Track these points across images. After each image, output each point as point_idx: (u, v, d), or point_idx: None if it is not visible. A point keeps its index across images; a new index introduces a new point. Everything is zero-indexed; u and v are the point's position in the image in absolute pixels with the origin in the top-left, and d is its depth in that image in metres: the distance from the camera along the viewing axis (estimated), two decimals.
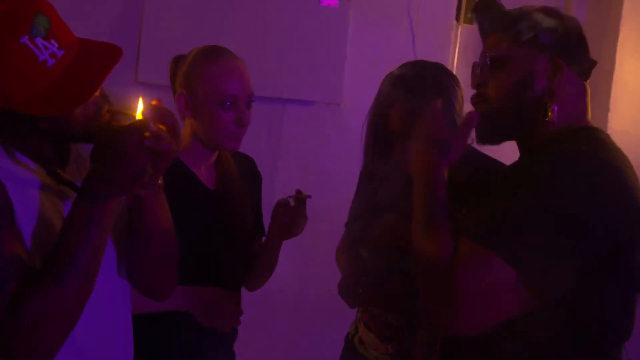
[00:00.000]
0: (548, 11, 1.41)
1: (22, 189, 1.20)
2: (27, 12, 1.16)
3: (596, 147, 1.33)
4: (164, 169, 1.25)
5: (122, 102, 1.25)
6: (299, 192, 1.93)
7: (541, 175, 1.27)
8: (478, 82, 1.43)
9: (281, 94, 2.93)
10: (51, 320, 1.15)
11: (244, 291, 2.00)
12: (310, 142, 3.02)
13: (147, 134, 1.19)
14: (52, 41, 1.18)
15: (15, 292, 1.14)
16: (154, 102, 1.25)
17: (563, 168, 1.26)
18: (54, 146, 1.27)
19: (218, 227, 1.83)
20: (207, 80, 1.75)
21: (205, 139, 1.80)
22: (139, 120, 1.22)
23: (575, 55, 1.39)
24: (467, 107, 1.90)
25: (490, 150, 1.62)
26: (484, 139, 1.46)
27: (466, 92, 1.75)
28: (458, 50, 3.05)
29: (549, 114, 1.34)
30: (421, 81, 1.76)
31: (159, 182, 1.32)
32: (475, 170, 1.60)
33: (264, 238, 2.03)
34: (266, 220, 2.03)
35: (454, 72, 1.94)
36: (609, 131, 2.50)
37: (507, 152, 1.55)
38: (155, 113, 1.23)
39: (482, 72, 1.42)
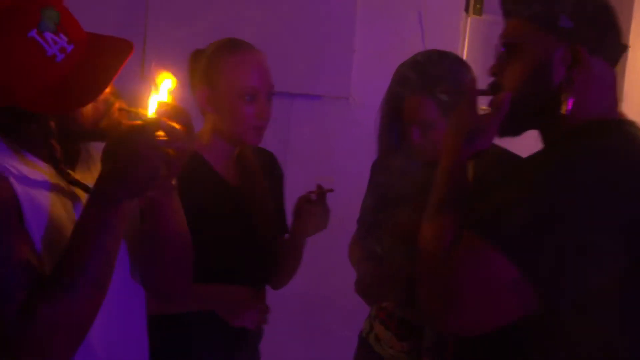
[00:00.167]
0: None
1: (31, 190, 1.16)
2: (36, 5, 1.12)
3: (626, 142, 1.22)
4: (178, 169, 1.21)
5: (129, 99, 1.22)
6: (320, 186, 1.89)
7: (559, 170, 1.17)
8: (493, 70, 1.34)
9: (289, 88, 2.89)
10: (62, 330, 1.10)
11: None
12: (318, 137, 2.98)
13: (160, 133, 1.15)
14: (62, 35, 1.14)
15: (25, 300, 1.09)
16: (166, 100, 1.20)
17: (584, 164, 1.17)
18: (64, 145, 1.22)
19: (240, 225, 1.80)
20: (227, 74, 1.73)
21: (226, 134, 1.78)
22: (152, 119, 1.17)
23: (602, 41, 1.26)
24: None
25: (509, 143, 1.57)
26: (500, 131, 1.36)
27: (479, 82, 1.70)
28: (467, 42, 3.01)
29: (563, 107, 1.24)
30: (435, 71, 1.74)
31: (173, 182, 1.27)
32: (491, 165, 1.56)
33: (286, 235, 2.00)
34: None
35: None
36: None
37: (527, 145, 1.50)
38: (169, 111, 1.18)
39: (498, 59, 1.33)
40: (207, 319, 1.75)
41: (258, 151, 1.92)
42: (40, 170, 1.20)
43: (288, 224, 1.99)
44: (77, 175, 1.24)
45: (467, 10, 3.00)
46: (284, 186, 2.01)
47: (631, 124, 1.29)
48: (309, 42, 2.86)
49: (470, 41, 3.01)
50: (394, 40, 2.94)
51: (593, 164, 1.17)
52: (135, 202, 1.24)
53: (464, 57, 2.99)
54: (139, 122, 1.16)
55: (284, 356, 2.95)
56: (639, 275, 1.16)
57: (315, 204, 1.88)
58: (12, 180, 1.13)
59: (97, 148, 1.32)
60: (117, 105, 1.22)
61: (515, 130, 1.34)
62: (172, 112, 1.19)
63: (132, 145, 1.12)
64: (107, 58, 1.16)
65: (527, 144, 1.39)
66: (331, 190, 1.89)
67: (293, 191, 1.99)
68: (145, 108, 1.19)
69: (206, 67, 1.76)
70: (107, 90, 1.19)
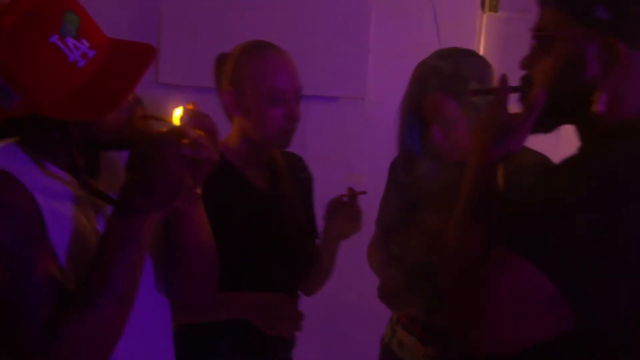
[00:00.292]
0: None
1: (54, 202, 1.13)
2: (57, 9, 1.09)
3: None
4: (203, 178, 1.17)
5: (147, 105, 1.19)
6: (351, 189, 1.85)
7: (601, 181, 1.07)
8: (525, 63, 1.24)
9: (304, 90, 2.88)
10: (88, 346, 1.07)
11: None
12: (334, 138, 2.96)
13: (185, 141, 1.12)
14: (83, 40, 1.10)
15: (50, 317, 1.06)
16: (189, 106, 1.16)
17: (629, 174, 1.08)
18: (85, 155, 1.18)
19: (271, 230, 1.77)
20: (254, 76, 1.70)
21: (255, 137, 1.74)
22: (177, 127, 1.14)
23: None
24: None
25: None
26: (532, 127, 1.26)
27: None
28: (484, 39, 2.97)
29: (596, 105, 1.14)
30: (456, 69, 1.71)
31: (198, 191, 1.24)
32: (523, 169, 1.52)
33: (317, 240, 1.96)
34: None
35: None
36: None
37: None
38: (193, 118, 1.15)
39: (530, 52, 1.23)
40: (238, 328, 1.72)
41: (286, 155, 1.89)
42: (62, 181, 1.17)
43: (318, 228, 1.96)
44: (99, 186, 1.21)
45: (482, 7, 2.96)
46: (313, 190, 1.97)
47: None
48: (323, 43, 2.84)
49: (487, 38, 2.98)
50: (409, 39, 2.91)
51: (635, 169, 1.09)
52: (160, 213, 1.19)
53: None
54: (163, 129, 1.13)
55: None
56: None
57: (348, 206, 1.84)
58: (34, 192, 1.10)
59: (118, 157, 1.30)
60: (139, 112, 1.19)
61: (547, 127, 1.25)
62: (196, 118, 1.15)
63: (156, 154, 1.08)
64: (130, 63, 1.13)
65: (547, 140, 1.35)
66: (364, 192, 1.85)
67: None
68: (169, 115, 1.16)
69: (232, 69, 1.74)
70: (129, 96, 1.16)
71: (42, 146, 1.16)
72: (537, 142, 1.41)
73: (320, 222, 1.92)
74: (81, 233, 1.16)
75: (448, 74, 1.71)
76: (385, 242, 1.93)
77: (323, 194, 1.94)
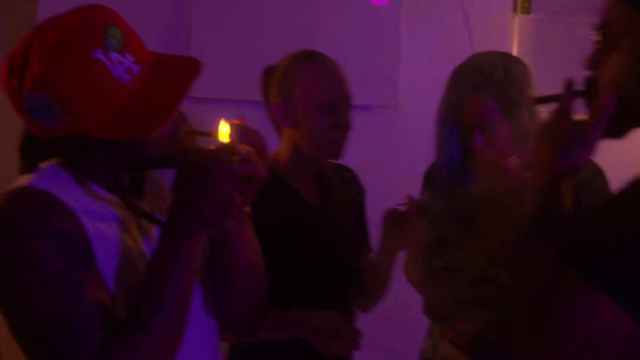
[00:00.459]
0: None
1: (100, 225, 1.09)
2: (99, 24, 1.05)
3: None
4: (253, 196, 1.13)
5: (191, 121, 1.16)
6: (410, 197, 1.79)
7: None
8: (589, 64, 1.14)
9: None
10: None
11: None
12: (367, 147, 2.91)
13: (235, 157, 1.07)
14: (127, 55, 1.06)
15: (100, 345, 1.01)
16: (237, 121, 1.12)
17: None
18: (130, 174, 1.15)
19: (323, 246, 1.73)
20: (303, 87, 1.69)
21: (305, 149, 1.72)
22: (226, 143, 1.09)
23: None
24: None
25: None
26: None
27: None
28: (516, 42, 2.92)
29: None
30: (496, 71, 1.68)
31: (247, 210, 1.19)
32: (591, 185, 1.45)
33: (372, 254, 1.91)
34: None
35: None
36: None
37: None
38: (242, 133, 1.11)
39: (594, 51, 1.12)
40: (294, 347, 1.67)
41: (338, 168, 1.86)
42: (106, 202, 1.12)
43: (371, 241, 1.91)
44: (144, 206, 1.17)
45: (514, 9, 2.90)
46: (365, 203, 1.93)
47: None
48: (353, 52, 2.80)
49: (519, 41, 2.92)
50: (441, 45, 2.87)
51: None
52: (208, 233, 1.15)
53: None
54: (211, 147, 1.09)
55: None
56: None
57: (406, 217, 1.77)
58: (80, 215, 1.06)
59: (160, 175, 1.26)
60: (184, 128, 1.14)
61: (617, 132, 1.13)
62: (245, 134, 1.11)
63: (205, 173, 1.04)
64: (175, 78, 1.09)
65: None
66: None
67: None
68: (215, 131, 1.11)
69: (281, 81, 1.72)
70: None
71: (85, 166, 1.12)
72: None
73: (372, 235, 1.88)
74: (128, 256, 1.11)
75: (487, 77, 1.68)
76: (426, 256, 1.88)
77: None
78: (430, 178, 1.92)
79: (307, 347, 1.66)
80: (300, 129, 1.71)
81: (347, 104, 1.72)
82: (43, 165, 1.13)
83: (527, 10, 2.87)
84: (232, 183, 1.05)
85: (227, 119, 1.12)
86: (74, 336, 1.02)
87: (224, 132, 1.11)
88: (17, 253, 1.02)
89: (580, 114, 1.14)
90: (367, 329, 2.91)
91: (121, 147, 1.09)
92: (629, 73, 1.07)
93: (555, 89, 1.20)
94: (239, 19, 2.74)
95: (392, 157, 2.90)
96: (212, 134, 1.12)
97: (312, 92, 1.69)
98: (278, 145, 1.80)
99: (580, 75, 1.18)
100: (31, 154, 1.15)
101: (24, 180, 1.10)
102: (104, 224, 1.10)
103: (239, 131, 1.11)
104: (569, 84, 1.15)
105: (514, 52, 2.92)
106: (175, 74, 1.09)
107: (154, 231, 1.17)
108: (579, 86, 1.16)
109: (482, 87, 1.67)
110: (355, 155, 2.87)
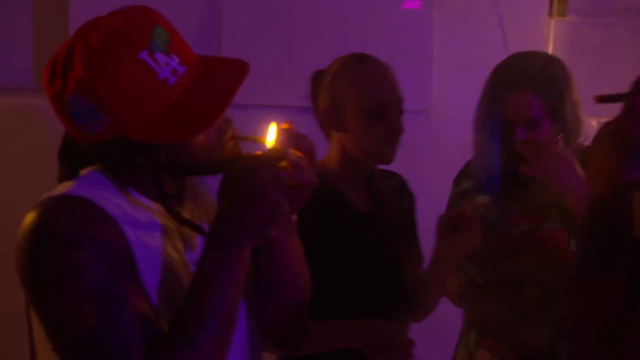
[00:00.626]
0: None
1: (142, 234, 1.04)
2: (145, 24, 1.01)
3: None
4: (302, 204, 1.09)
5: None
6: (469, 200, 1.69)
7: None
8: None
9: None
10: None
11: None
12: (400, 153, 2.87)
13: (284, 164, 1.03)
14: (173, 56, 1.02)
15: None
16: (284, 125, 1.07)
17: None
18: (172, 180, 1.09)
19: (375, 254, 1.68)
20: (354, 90, 1.64)
21: (355, 154, 1.68)
22: (274, 149, 1.05)
23: None
24: None
25: None
26: None
27: None
28: (552, 45, 2.86)
29: None
30: (541, 67, 1.67)
31: (294, 219, 1.15)
32: None
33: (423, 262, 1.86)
34: None
35: None
36: None
37: None
38: (290, 138, 1.06)
39: None
40: (346, 358, 1.63)
41: (387, 174, 1.81)
42: (148, 210, 1.08)
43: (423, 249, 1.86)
44: (185, 213, 1.12)
45: (550, 12, 2.85)
46: (415, 210, 1.88)
47: None
48: (385, 56, 2.74)
49: (555, 44, 2.86)
50: (474, 49, 2.81)
51: None
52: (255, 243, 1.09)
53: None
54: (259, 152, 1.04)
55: None
56: None
57: (463, 222, 1.66)
58: (122, 224, 1.02)
59: (201, 181, 1.22)
60: (229, 132, 1.09)
61: None
62: (293, 139, 1.06)
63: (253, 180, 0.99)
64: (221, 80, 1.04)
65: None
66: (486, 200, 1.69)
67: None
68: (262, 135, 1.06)
69: (331, 84, 1.68)
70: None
71: (126, 172, 1.07)
72: None
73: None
74: (172, 267, 1.07)
75: (531, 72, 1.66)
76: (462, 267, 1.83)
77: None
78: (460, 182, 1.88)
79: (358, 357, 1.61)
80: (351, 134, 1.67)
81: (399, 108, 1.68)
82: (83, 171, 1.08)
83: (563, 13, 2.81)
84: (280, 191, 1.01)
85: (275, 124, 1.07)
86: (115, 352, 0.97)
87: (271, 137, 1.06)
88: (56, 264, 0.98)
89: None
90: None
91: (165, 151, 1.04)
92: None
93: (592, 92, 1.12)
94: (270, 24, 2.72)
95: (425, 162, 2.85)
96: (258, 139, 1.08)
97: (363, 96, 1.64)
98: (324, 151, 1.76)
99: (618, 77, 1.10)
100: (71, 160, 1.11)
101: (64, 187, 1.05)
102: (147, 232, 1.05)
103: (287, 136, 1.06)
104: (639, 82, 1.01)
105: None
106: (221, 76, 1.05)
107: (197, 240, 1.13)
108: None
109: (526, 83, 1.66)
110: None
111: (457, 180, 1.90)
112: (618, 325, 0.91)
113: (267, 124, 1.08)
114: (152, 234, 1.06)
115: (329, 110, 1.67)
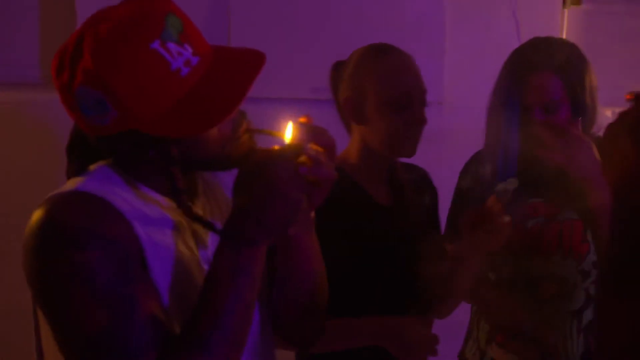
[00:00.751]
0: None
1: (153, 231, 1.00)
2: (158, 12, 0.96)
3: None
4: (321, 200, 1.04)
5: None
6: (497, 193, 1.59)
7: None
8: None
9: None
10: None
11: None
12: None
13: (303, 159, 0.98)
14: (186, 46, 0.97)
15: None
16: (303, 119, 1.02)
17: None
18: (184, 175, 1.04)
19: (397, 249, 1.64)
20: (376, 81, 1.59)
21: (377, 146, 1.62)
22: (292, 144, 1.00)
23: None
24: None
25: None
26: None
27: None
28: (566, 34, 2.82)
29: None
30: (561, 49, 1.65)
31: (312, 216, 1.10)
32: None
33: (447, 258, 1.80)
34: None
35: None
36: None
37: None
38: (309, 132, 1.01)
39: None
40: (369, 355, 1.59)
41: (409, 168, 1.77)
42: (159, 206, 1.03)
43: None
44: (198, 210, 1.08)
45: (564, 1, 2.81)
46: (438, 205, 1.83)
47: None
48: (396, 45, 2.73)
49: (569, 33, 2.82)
50: (487, 38, 2.79)
51: None
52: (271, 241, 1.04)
53: None
54: (276, 147, 0.99)
55: None
56: None
57: (490, 216, 1.58)
58: (132, 220, 0.98)
59: (214, 176, 1.17)
60: (244, 126, 1.04)
61: None
62: (312, 133, 1.02)
63: (271, 175, 0.94)
64: (236, 71, 0.99)
65: None
66: (509, 192, 1.59)
67: None
68: (278, 129, 1.02)
69: (352, 75, 1.63)
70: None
71: (136, 166, 1.03)
72: None
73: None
74: (184, 266, 1.02)
75: (552, 53, 1.64)
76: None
77: None
78: (466, 175, 1.84)
79: (382, 355, 1.57)
80: (372, 126, 1.61)
81: (422, 99, 1.63)
82: (92, 167, 1.04)
83: (577, 1, 2.78)
84: (299, 187, 0.96)
85: (291, 117, 1.03)
86: (125, 355, 0.93)
87: (289, 131, 1.02)
88: (65, 262, 0.94)
89: None
90: None
91: (177, 145, 0.99)
92: None
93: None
94: (281, 16, 2.69)
95: (437, 153, 2.81)
96: (274, 133, 1.03)
97: (386, 87, 1.58)
98: (343, 145, 1.71)
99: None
100: (79, 155, 1.07)
101: (73, 183, 1.01)
102: (158, 229, 1.01)
103: (306, 130, 1.02)
104: None
105: None
106: (237, 67, 1.00)
107: (209, 237, 1.09)
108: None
109: (548, 64, 1.62)
110: None
111: (463, 173, 1.85)
112: None
113: (280, 118, 1.04)
114: (163, 230, 1.02)
115: (350, 101, 1.62)
